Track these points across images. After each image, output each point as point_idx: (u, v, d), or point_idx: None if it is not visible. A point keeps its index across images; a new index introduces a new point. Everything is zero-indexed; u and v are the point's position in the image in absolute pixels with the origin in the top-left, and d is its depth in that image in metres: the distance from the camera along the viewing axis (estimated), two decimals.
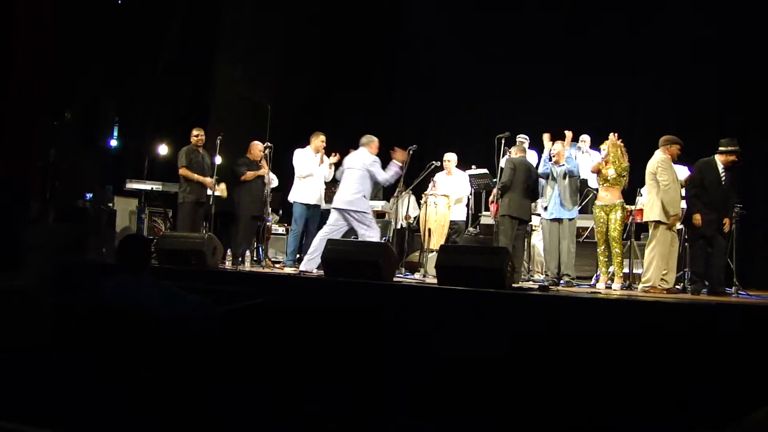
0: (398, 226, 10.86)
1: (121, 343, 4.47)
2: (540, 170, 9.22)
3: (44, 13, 8.80)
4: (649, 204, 8.26)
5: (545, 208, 9.09)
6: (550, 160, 9.04)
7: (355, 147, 9.26)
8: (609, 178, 8.69)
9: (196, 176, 10.19)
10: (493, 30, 13.26)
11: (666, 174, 8.13)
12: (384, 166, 8.99)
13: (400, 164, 9.06)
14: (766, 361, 4.89)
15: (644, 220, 8.47)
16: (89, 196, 10.27)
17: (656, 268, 8.01)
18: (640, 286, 8.14)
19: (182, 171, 10.21)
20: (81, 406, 4.30)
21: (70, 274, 6.35)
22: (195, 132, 10.38)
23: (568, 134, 9.13)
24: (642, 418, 4.97)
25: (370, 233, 8.81)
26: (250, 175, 10.28)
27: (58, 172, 10.31)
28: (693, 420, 4.82)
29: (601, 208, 8.70)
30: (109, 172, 12.12)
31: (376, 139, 9.14)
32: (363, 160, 8.97)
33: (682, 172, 9.12)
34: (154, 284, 4.78)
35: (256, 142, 10.46)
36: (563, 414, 5.14)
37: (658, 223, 8.14)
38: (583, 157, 10.07)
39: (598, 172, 8.80)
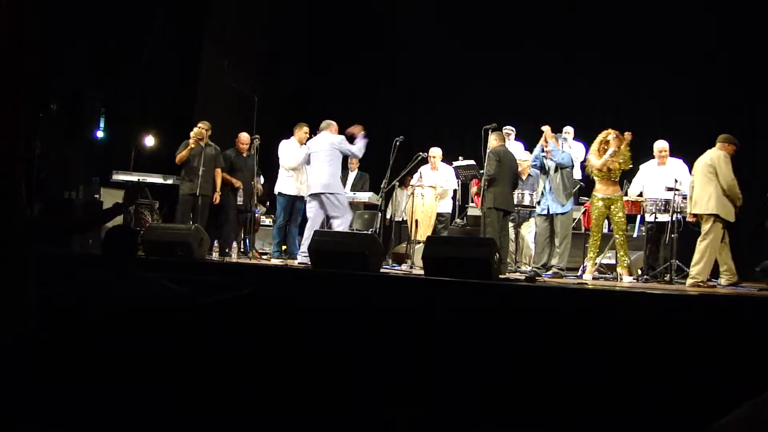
0: (399, 219, 10.99)
1: (105, 336, 4.45)
2: (531, 162, 9.24)
3: (27, 3, 8.74)
4: (705, 198, 8.08)
5: (538, 203, 9.06)
6: (542, 151, 9.03)
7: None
8: (613, 171, 8.59)
9: (184, 151, 10.01)
10: (481, 21, 13.27)
11: (728, 167, 8.03)
12: None
13: (363, 134, 9.39)
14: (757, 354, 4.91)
15: (697, 212, 8.18)
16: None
17: (707, 263, 7.90)
18: (690, 280, 7.93)
19: (177, 158, 10.10)
20: (62, 405, 4.30)
21: (56, 266, 6.33)
22: (200, 125, 10.20)
23: (546, 128, 9.08)
24: (627, 411, 4.99)
25: (343, 217, 8.95)
26: (225, 178, 10.31)
27: (44, 164, 10.26)
28: (680, 415, 4.86)
29: (603, 200, 8.62)
30: (96, 163, 12.08)
31: (334, 123, 9.48)
32: (330, 140, 9.27)
33: (679, 166, 9.15)
34: (140, 276, 4.76)
35: (243, 133, 10.40)
36: (548, 404, 5.16)
37: (713, 216, 7.99)
38: (566, 148, 10.06)
39: (602, 166, 8.66)
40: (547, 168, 8.99)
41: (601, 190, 8.67)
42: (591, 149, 8.78)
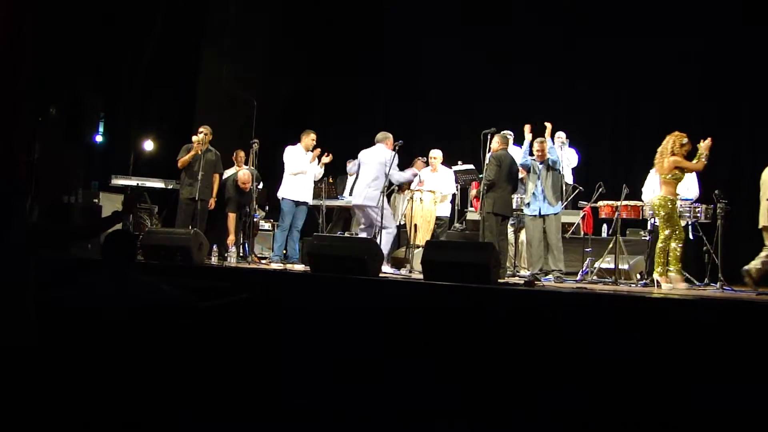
0: (398, 223, 11.03)
1: (105, 340, 4.45)
2: (520, 162, 9.18)
3: (26, 8, 8.74)
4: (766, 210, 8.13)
5: (527, 205, 9.02)
6: (531, 154, 9.00)
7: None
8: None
9: (188, 156, 10.00)
10: (481, 25, 13.26)
11: None
12: None
13: (417, 173, 9.58)
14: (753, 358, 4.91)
15: (763, 225, 8.18)
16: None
17: None
18: None
19: (180, 162, 10.08)
20: (62, 409, 4.30)
21: (55, 270, 6.32)
22: (202, 130, 10.18)
23: (548, 126, 9.03)
24: (625, 414, 4.99)
25: (386, 229, 8.97)
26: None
27: (44, 168, 10.26)
28: (677, 418, 4.85)
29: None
30: (95, 168, 12.09)
31: (391, 136, 9.44)
32: (382, 155, 9.25)
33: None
34: (140, 281, 4.77)
35: (243, 173, 10.33)
36: (547, 407, 5.16)
37: None
38: (560, 153, 10.06)
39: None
40: (537, 170, 8.92)
41: (675, 194, 8.29)
42: (672, 152, 8.20)
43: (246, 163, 10.48)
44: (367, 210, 9.21)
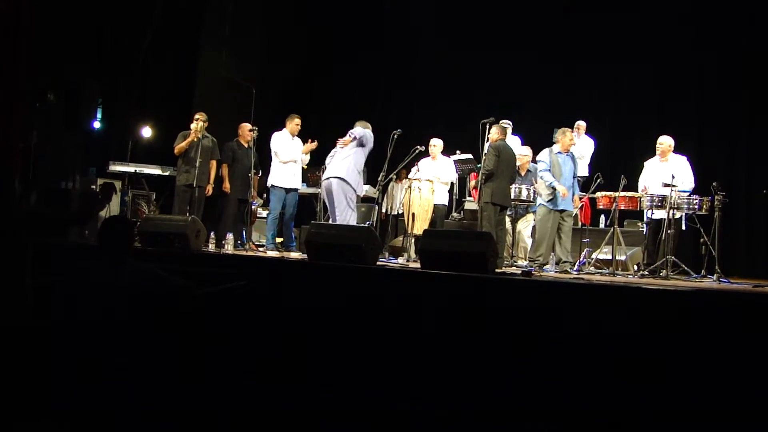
0: (395, 212, 11.00)
1: (101, 327, 4.45)
2: (546, 182, 8.98)
3: None
4: None
5: (549, 201, 8.97)
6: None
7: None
8: None
9: (184, 142, 10.00)
10: (480, 13, 13.23)
11: None
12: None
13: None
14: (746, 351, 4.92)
15: None
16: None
17: None
18: None
19: (176, 149, 10.09)
20: (60, 396, 4.30)
21: (52, 256, 6.32)
22: (198, 116, 10.17)
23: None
24: (621, 405, 5.00)
25: (347, 214, 8.91)
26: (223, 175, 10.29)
27: (41, 154, 10.25)
28: (671, 410, 4.87)
29: None
30: (93, 154, 12.07)
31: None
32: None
33: (681, 163, 9.11)
34: (137, 267, 4.76)
35: (245, 123, 10.37)
36: (544, 400, 5.17)
37: None
38: (578, 142, 10.06)
39: None
40: (563, 171, 8.91)
41: None
42: None
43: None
44: (336, 184, 9.03)
